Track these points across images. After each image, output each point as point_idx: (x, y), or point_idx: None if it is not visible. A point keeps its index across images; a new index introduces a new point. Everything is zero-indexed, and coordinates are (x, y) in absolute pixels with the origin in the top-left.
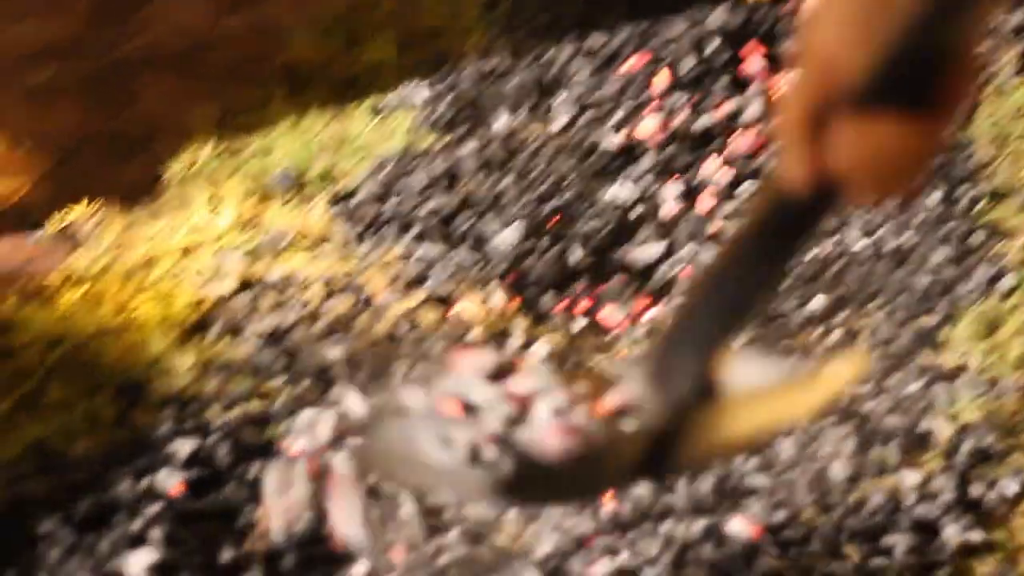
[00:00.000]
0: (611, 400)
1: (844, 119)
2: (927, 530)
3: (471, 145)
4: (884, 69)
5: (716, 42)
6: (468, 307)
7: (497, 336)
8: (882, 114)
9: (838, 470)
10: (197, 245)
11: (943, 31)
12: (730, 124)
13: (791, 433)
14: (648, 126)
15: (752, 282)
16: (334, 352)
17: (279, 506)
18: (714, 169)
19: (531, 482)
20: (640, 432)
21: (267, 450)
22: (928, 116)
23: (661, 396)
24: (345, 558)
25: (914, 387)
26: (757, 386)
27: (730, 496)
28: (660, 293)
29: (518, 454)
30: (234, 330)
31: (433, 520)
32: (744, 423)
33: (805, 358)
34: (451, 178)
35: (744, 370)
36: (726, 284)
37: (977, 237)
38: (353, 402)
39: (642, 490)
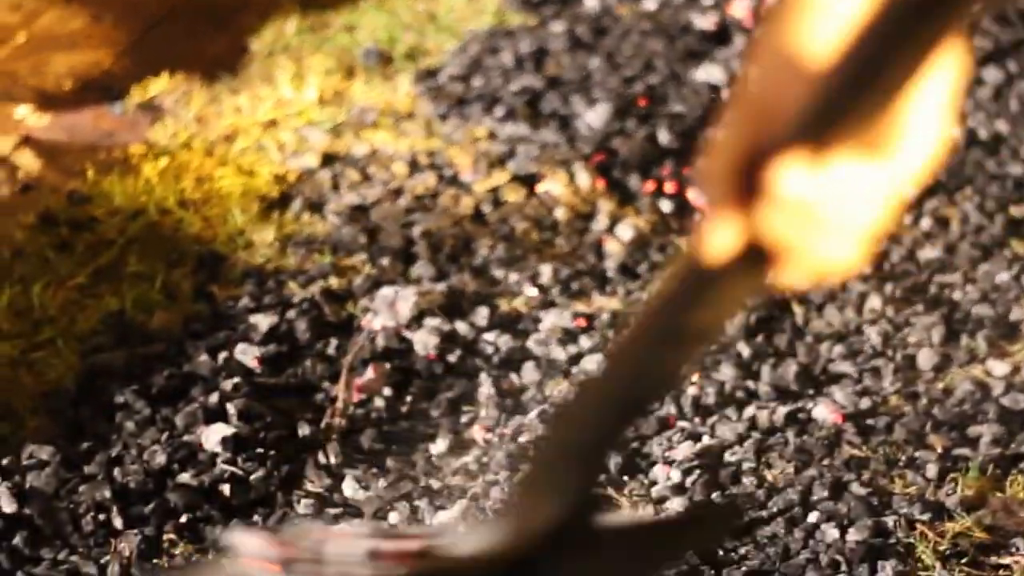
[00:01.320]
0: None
1: (787, 158)
2: (1014, 420)
3: (560, 24)
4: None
5: None
6: (553, 187)
7: (582, 216)
8: (837, 143)
9: (925, 358)
10: (280, 120)
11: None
12: None
13: None
14: (740, 7)
15: (649, 385)
16: (416, 229)
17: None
18: None
19: None
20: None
21: (347, 326)
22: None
23: (532, 514)
24: (424, 436)
25: (1004, 276)
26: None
27: (814, 382)
28: None
29: None
30: (316, 205)
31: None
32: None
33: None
34: (539, 57)
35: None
36: (619, 387)
37: None
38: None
39: (724, 374)
